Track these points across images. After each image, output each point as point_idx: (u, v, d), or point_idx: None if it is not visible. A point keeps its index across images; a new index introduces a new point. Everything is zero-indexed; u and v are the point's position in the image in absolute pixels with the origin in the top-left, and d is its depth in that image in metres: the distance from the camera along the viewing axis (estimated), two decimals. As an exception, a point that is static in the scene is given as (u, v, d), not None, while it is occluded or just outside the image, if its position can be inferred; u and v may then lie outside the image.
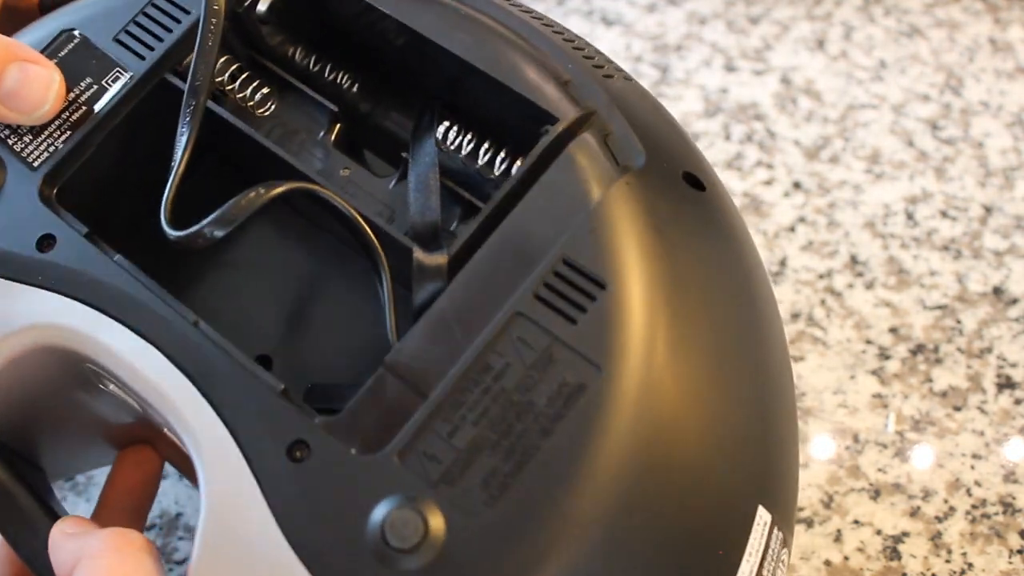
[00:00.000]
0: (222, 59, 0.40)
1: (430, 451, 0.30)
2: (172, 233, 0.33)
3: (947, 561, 0.47)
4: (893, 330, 0.54)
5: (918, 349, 0.53)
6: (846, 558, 0.47)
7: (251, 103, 0.40)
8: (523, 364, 0.31)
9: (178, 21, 0.38)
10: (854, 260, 0.57)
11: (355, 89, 0.40)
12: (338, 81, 0.40)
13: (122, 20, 0.38)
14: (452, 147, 0.38)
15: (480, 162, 0.37)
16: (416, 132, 0.38)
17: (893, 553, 0.47)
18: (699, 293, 0.33)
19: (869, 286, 0.56)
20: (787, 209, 0.59)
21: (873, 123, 0.63)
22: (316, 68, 0.41)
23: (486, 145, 0.37)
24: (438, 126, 0.38)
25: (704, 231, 0.35)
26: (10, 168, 0.36)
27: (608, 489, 0.30)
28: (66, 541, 0.33)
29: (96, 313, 0.34)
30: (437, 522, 0.29)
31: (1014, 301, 0.55)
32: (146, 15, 0.38)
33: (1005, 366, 0.53)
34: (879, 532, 0.48)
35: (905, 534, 0.48)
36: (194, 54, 0.37)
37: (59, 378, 0.36)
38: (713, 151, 0.62)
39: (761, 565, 0.34)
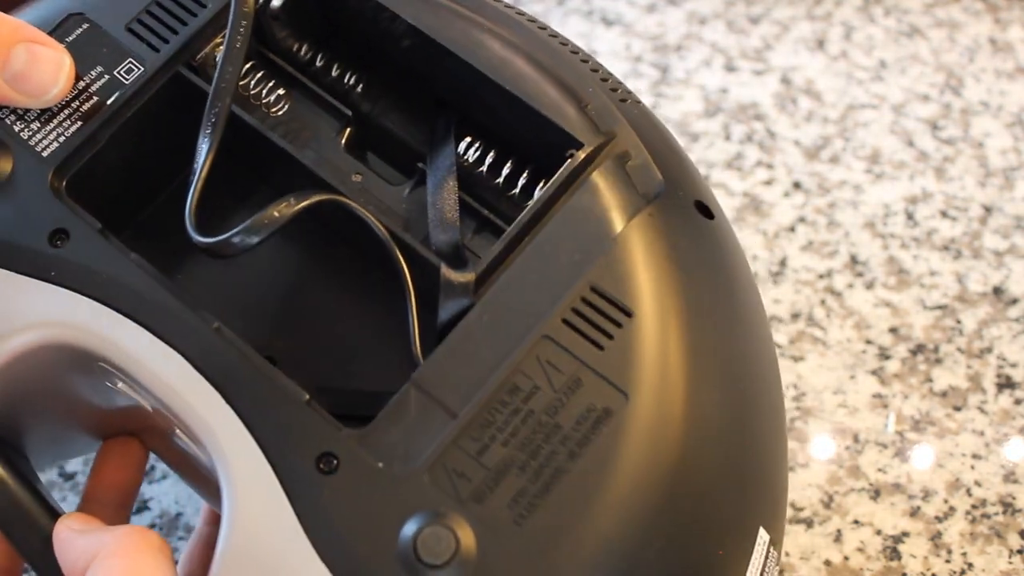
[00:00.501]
0: None
1: (459, 469, 0.31)
2: (200, 240, 0.33)
3: (947, 561, 0.47)
4: (893, 330, 0.54)
5: (918, 349, 0.53)
6: (846, 558, 0.47)
7: (265, 101, 0.39)
8: (551, 387, 0.32)
9: (194, 14, 0.37)
10: (854, 260, 0.57)
11: (360, 89, 0.40)
12: (344, 79, 0.40)
13: (134, 8, 0.37)
14: (471, 160, 0.38)
15: (500, 178, 0.37)
16: (433, 141, 0.38)
17: (893, 553, 0.47)
18: (713, 323, 0.34)
19: (869, 286, 0.56)
20: (787, 209, 0.59)
21: (873, 123, 0.63)
22: (322, 63, 0.40)
23: (509, 164, 0.37)
24: (457, 139, 0.38)
25: (714, 261, 0.36)
26: (17, 156, 0.35)
27: (631, 513, 0.31)
28: (76, 539, 0.32)
29: (114, 313, 0.33)
30: (468, 539, 0.30)
31: (1014, 301, 0.55)
32: (160, 5, 0.37)
33: (1005, 366, 0.53)
34: (879, 532, 0.48)
35: (905, 534, 0.48)
36: (221, 57, 0.36)
37: (64, 373, 0.35)
38: (713, 151, 0.62)
39: None
